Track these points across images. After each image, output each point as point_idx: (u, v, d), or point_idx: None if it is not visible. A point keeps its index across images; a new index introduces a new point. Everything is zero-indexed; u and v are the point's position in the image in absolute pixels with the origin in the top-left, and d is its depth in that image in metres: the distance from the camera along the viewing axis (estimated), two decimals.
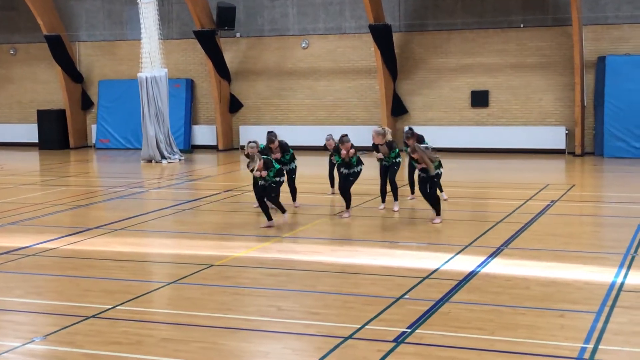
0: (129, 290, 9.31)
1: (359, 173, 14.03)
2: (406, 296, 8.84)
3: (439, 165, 13.40)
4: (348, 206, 13.91)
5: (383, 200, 14.46)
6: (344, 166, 13.93)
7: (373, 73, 25.11)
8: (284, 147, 14.37)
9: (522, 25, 23.80)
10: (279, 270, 10.26)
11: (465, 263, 10.31)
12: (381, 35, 23.88)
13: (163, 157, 23.85)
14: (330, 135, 14.92)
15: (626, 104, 22.18)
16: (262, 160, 12.75)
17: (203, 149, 27.17)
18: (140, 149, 24.76)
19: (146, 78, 23.70)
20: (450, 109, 24.71)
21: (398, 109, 24.84)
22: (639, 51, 22.69)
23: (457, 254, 10.88)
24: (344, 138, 13.80)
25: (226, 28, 25.93)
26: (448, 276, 9.67)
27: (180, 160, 24.13)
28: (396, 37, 24.59)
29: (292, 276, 9.98)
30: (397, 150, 14.37)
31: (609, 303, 8.42)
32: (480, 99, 24.30)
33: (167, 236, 12.91)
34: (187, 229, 13.43)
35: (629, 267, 9.94)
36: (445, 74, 24.67)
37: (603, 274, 9.61)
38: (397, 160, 14.26)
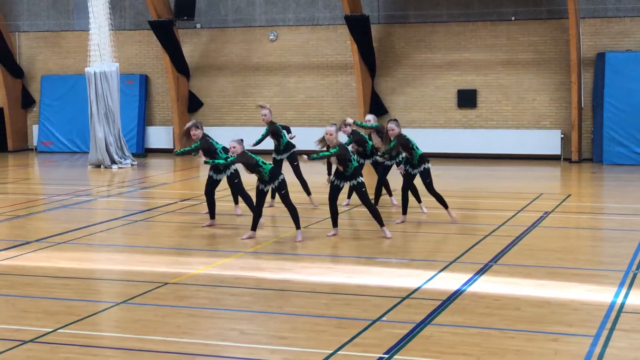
0: (72, 312, 9.23)
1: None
2: (384, 318, 8.84)
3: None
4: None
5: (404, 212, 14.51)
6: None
7: (349, 69, 25.16)
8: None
9: (513, 18, 23.97)
10: (242, 289, 10.22)
11: (449, 281, 10.34)
12: (358, 27, 23.94)
13: (113, 161, 23.72)
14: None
15: (628, 105, 22.38)
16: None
17: (158, 153, 27.06)
18: (88, 153, 24.61)
19: (95, 73, 23.56)
20: (434, 109, 24.82)
21: (377, 109, 24.89)
22: None
23: (440, 271, 10.90)
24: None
25: (185, 18, 25.87)
26: (430, 296, 9.68)
27: (132, 165, 24.01)
28: (374, 30, 24.66)
29: (256, 296, 9.95)
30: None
31: (608, 326, 8.48)
32: (467, 99, 24.43)
33: (117, 250, 12.83)
34: (139, 242, 13.36)
35: (630, 286, 10.02)
36: (429, 71, 24.78)
37: (602, 294, 9.67)
38: (423, 167, 14.19)
